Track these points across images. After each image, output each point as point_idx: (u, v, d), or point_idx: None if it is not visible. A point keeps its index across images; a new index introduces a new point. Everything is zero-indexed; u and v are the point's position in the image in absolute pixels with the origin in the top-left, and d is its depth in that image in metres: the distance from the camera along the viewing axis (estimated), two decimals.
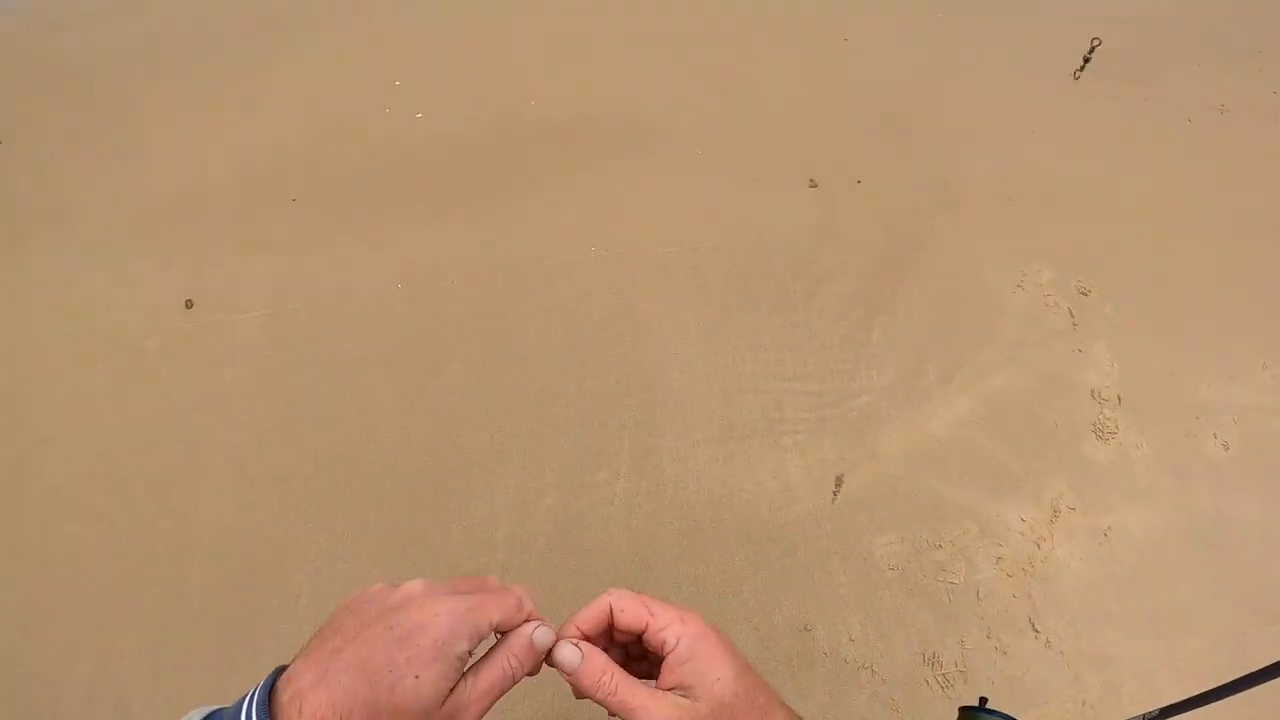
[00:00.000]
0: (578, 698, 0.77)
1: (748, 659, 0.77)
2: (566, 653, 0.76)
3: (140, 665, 2.29)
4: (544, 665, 0.79)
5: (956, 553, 2.59)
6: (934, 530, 2.63)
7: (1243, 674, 1.07)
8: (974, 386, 3.02)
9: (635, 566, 2.48)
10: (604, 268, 3.25)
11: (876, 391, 2.95)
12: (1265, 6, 5.62)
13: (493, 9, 4.83)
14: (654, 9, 5.00)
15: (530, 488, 2.64)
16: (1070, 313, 3.35)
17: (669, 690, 0.74)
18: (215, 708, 0.65)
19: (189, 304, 3.10)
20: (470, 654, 0.71)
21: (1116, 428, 2.97)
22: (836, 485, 2.70)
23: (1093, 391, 3.08)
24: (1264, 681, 1.09)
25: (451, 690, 0.69)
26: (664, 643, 0.75)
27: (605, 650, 0.78)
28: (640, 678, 0.76)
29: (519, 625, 0.76)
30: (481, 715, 0.71)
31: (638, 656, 0.84)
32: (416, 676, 0.65)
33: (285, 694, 0.62)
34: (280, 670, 0.66)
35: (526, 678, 0.77)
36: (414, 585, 0.72)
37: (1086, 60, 4.60)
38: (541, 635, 0.77)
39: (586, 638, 0.79)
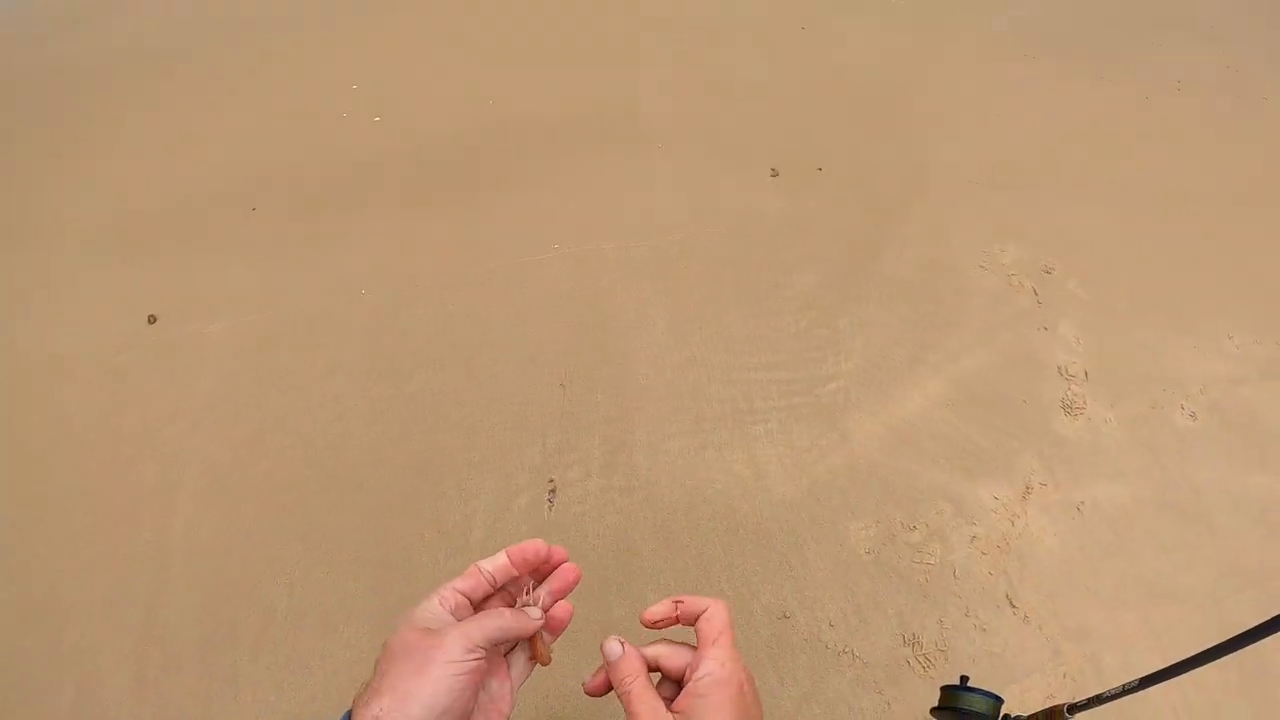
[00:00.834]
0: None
1: None
2: (610, 646, 0.88)
3: (122, 685, 2.26)
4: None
5: (931, 534, 2.59)
6: (908, 512, 2.63)
7: (1219, 641, 1.08)
8: (943, 368, 3.03)
9: (612, 563, 2.47)
10: (569, 264, 3.25)
11: (846, 377, 2.96)
12: None
13: (447, 9, 4.81)
14: (610, 6, 5.00)
15: (503, 489, 2.63)
16: (1035, 291, 3.37)
17: (677, 712, 0.81)
18: None
19: (152, 319, 3.07)
20: (442, 606, 0.83)
21: (1085, 403, 2.99)
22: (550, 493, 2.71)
23: (1060, 368, 3.10)
24: (1240, 648, 1.10)
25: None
26: (699, 664, 0.83)
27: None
28: None
29: (476, 588, 0.87)
30: (472, 638, 0.79)
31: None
32: (398, 632, 0.80)
33: None
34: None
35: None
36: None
37: None
38: (611, 649, 0.88)
39: (655, 625, 0.91)
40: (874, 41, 4.97)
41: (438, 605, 0.81)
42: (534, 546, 0.89)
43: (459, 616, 0.83)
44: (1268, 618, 0.96)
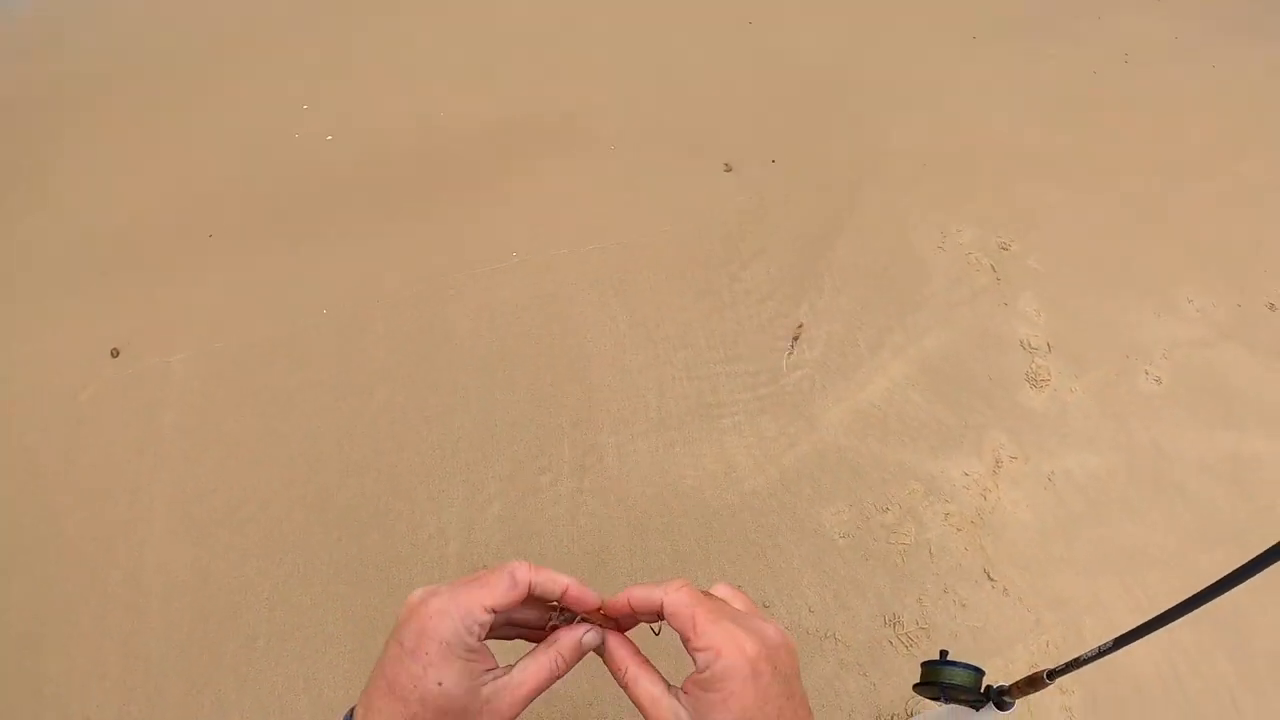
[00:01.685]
0: None
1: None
2: (588, 637, 0.79)
3: None
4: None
5: (905, 514, 2.60)
6: (880, 494, 2.64)
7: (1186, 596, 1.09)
8: (905, 350, 3.04)
9: (588, 564, 2.46)
10: (528, 272, 3.24)
11: (810, 365, 2.96)
12: None
13: (391, 24, 4.79)
14: (555, 10, 5.00)
15: (475, 499, 2.62)
16: (993, 269, 3.39)
17: (687, 693, 0.74)
18: None
19: (115, 353, 3.04)
20: (480, 641, 0.72)
21: (1049, 375, 3.01)
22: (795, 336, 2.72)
23: (1022, 342, 3.11)
24: (1207, 601, 1.10)
25: (487, 680, 0.72)
26: (695, 661, 0.72)
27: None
28: None
29: (516, 602, 0.75)
30: (528, 703, 0.73)
31: None
32: (439, 683, 0.67)
33: None
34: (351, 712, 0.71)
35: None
36: (413, 595, 0.74)
37: None
38: (590, 639, 0.79)
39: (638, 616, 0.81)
40: (821, 32, 4.99)
41: (477, 642, 0.71)
42: (593, 600, 0.80)
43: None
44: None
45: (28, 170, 4.11)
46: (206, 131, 4.11)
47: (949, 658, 1.55)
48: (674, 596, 0.76)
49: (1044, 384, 2.97)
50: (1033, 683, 1.47)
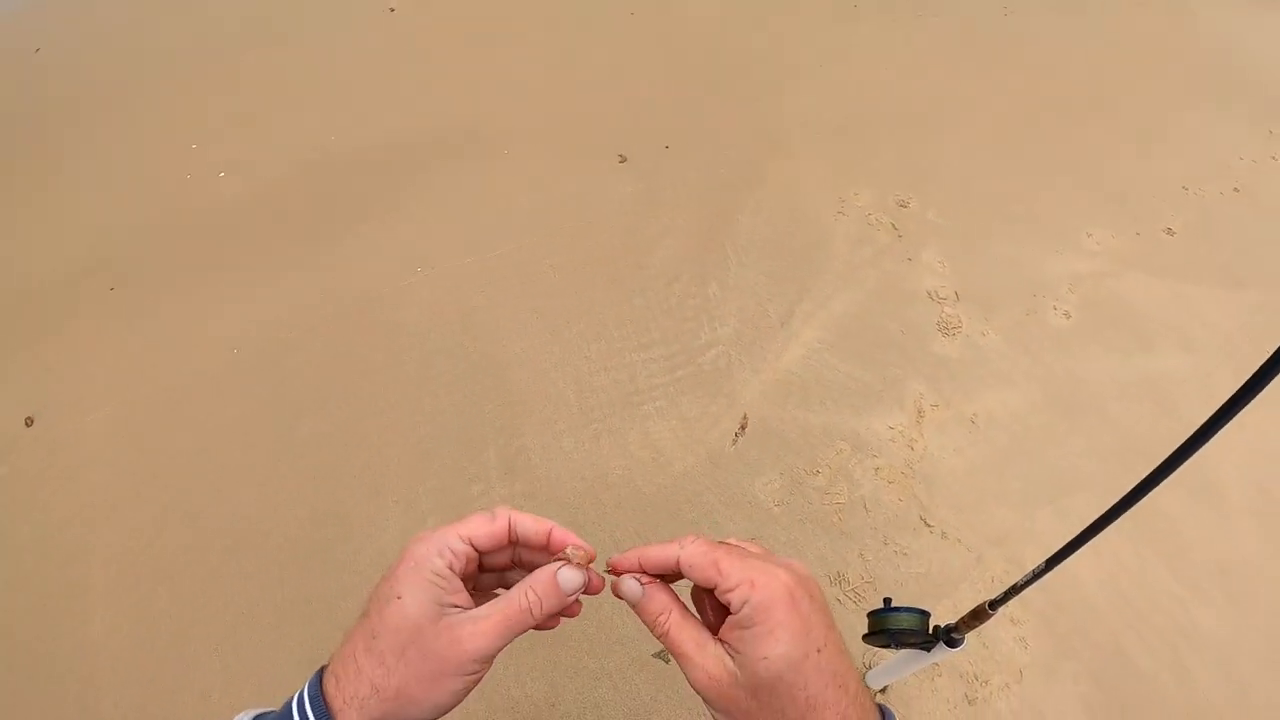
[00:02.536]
0: None
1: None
2: (627, 587, 0.76)
3: None
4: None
5: (835, 474, 2.59)
6: (809, 459, 2.63)
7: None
8: (816, 315, 3.04)
9: None
10: (434, 285, 3.19)
11: (724, 342, 2.95)
12: None
13: (276, 55, 4.71)
14: (433, 21, 4.97)
15: (409, 517, 2.56)
16: (894, 226, 3.43)
17: (725, 642, 0.70)
18: (261, 710, 0.73)
19: (29, 421, 2.93)
20: (453, 570, 0.71)
21: (960, 322, 3.04)
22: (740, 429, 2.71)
23: (930, 293, 3.14)
24: (1126, 509, 1.10)
25: (455, 612, 0.70)
26: (730, 604, 0.69)
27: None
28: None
29: (494, 535, 0.75)
30: (493, 640, 0.70)
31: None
32: (399, 596, 0.67)
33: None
34: (317, 678, 0.71)
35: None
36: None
37: None
38: (567, 576, 0.74)
39: (659, 576, 0.77)
40: (704, 15, 5.02)
41: (446, 568, 0.70)
42: (578, 543, 0.77)
43: (463, 572, 0.73)
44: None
45: None
46: (93, 181, 3.98)
47: (893, 604, 1.54)
48: (690, 549, 0.73)
49: (956, 331, 3.00)
50: (977, 615, 1.47)
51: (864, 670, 2.17)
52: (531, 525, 0.76)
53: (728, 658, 0.69)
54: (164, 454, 2.75)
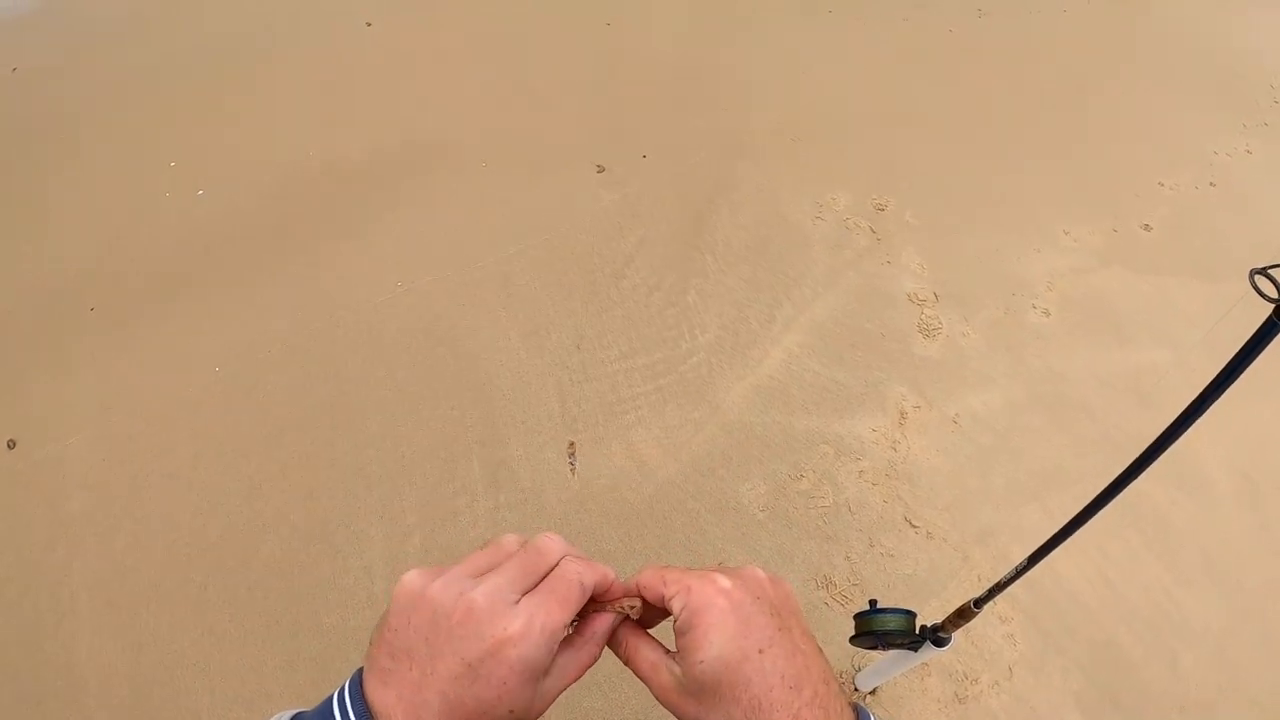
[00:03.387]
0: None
1: None
2: (613, 620, 0.74)
3: None
4: None
5: (819, 478, 2.60)
6: (792, 464, 2.63)
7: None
8: (797, 320, 3.05)
9: None
10: (414, 300, 3.18)
11: (705, 350, 2.95)
12: None
13: (255, 72, 4.68)
14: (409, 35, 4.96)
15: (394, 533, 2.54)
16: (872, 230, 3.44)
17: (672, 653, 0.71)
18: (297, 710, 0.67)
19: (11, 444, 2.91)
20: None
21: (940, 323, 3.05)
22: (570, 454, 2.71)
23: (909, 295, 3.15)
24: (1106, 502, 1.11)
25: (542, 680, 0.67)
26: (671, 611, 0.69)
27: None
28: None
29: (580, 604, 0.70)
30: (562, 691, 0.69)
31: None
32: (511, 711, 0.63)
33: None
34: (358, 679, 0.65)
35: None
36: (461, 587, 0.65)
37: None
38: (614, 622, 0.75)
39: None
40: (681, 25, 5.02)
41: (550, 659, 0.66)
42: (632, 588, 0.74)
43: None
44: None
45: None
46: (72, 200, 3.94)
47: (879, 606, 1.55)
48: (644, 572, 0.73)
49: (936, 332, 3.01)
50: (962, 614, 1.48)
51: (854, 672, 2.16)
52: (601, 583, 0.73)
53: (676, 667, 0.68)
54: (142, 477, 2.74)
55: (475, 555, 0.70)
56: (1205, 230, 3.59)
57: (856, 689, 2.13)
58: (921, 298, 3.14)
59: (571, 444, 2.71)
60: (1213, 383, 0.90)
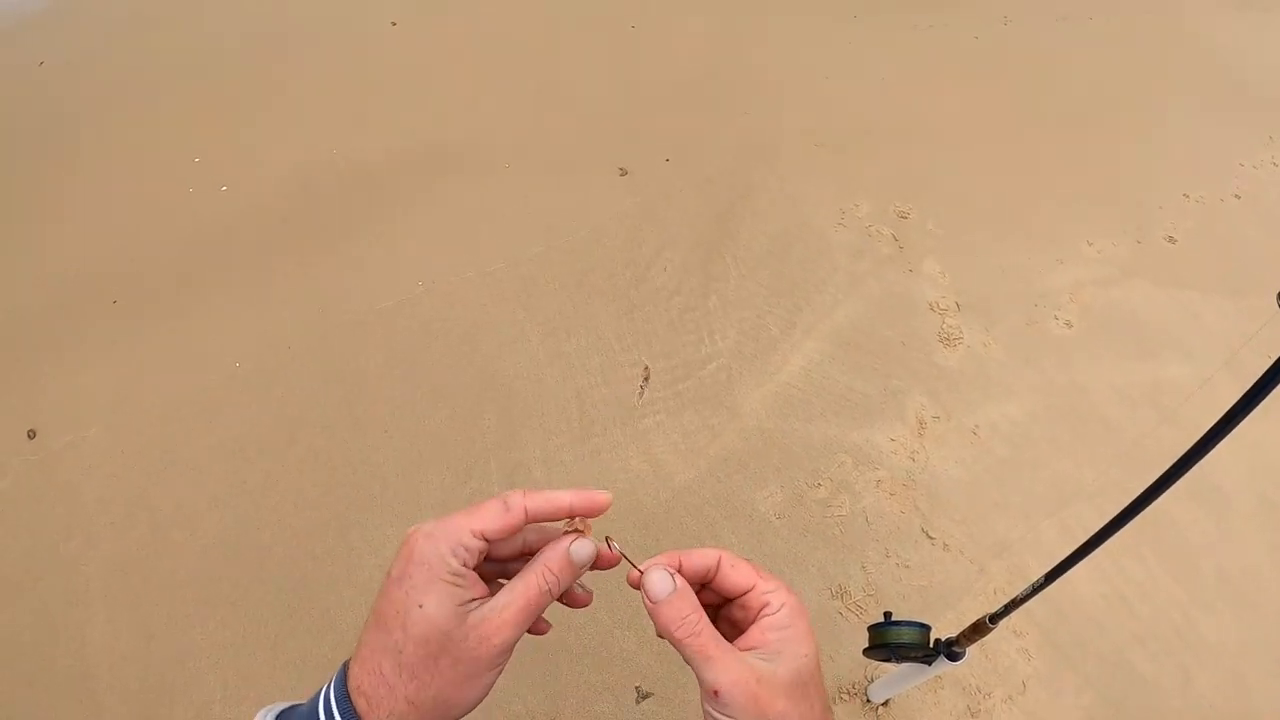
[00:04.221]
0: (658, 634, 0.72)
1: None
2: (658, 580, 0.72)
3: None
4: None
5: (837, 486, 2.59)
6: (810, 471, 2.63)
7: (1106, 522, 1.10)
8: (817, 327, 3.04)
9: None
10: (435, 300, 3.19)
11: (725, 355, 2.95)
12: None
13: (272, 67, 4.70)
14: (434, 35, 4.96)
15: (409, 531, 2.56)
16: (894, 237, 3.43)
17: (754, 649, 0.70)
18: (288, 704, 0.71)
19: (31, 434, 2.93)
20: (467, 566, 0.69)
21: (961, 333, 3.04)
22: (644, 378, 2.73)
23: (931, 304, 3.14)
24: (1126, 523, 1.11)
25: (474, 607, 0.68)
26: (766, 604, 0.71)
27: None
28: None
29: (509, 528, 0.71)
30: (518, 629, 0.69)
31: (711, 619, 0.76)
32: (420, 606, 0.65)
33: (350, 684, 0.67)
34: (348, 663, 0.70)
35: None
36: (411, 530, 0.71)
37: None
38: (580, 549, 0.74)
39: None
40: (704, 27, 5.02)
41: (462, 566, 0.68)
42: (603, 501, 0.76)
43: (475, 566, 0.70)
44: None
45: None
46: (97, 194, 3.97)
47: (894, 618, 1.55)
48: (729, 552, 0.75)
49: (957, 342, 3.00)
50: (977, 629, 1.47)
51: (866, 684, 2.16)
52: (548, 507, 0.73)
53: (760, 660, 0.68)
54: (159, 470, 2.76)
55: None
56: (1230, 243, 3.57)
57: (869, 700, 2.13)
58: (943, 307, 3.13)
59: (646, 368, 2.76)
60: (1239, 402, 0.90)
